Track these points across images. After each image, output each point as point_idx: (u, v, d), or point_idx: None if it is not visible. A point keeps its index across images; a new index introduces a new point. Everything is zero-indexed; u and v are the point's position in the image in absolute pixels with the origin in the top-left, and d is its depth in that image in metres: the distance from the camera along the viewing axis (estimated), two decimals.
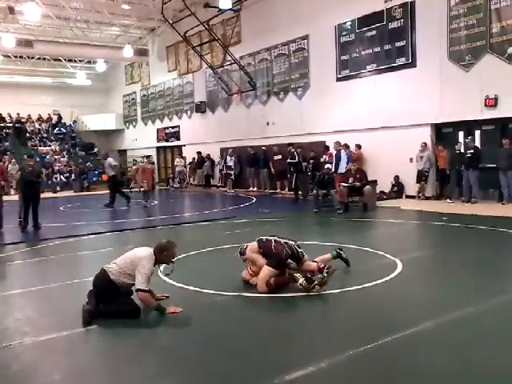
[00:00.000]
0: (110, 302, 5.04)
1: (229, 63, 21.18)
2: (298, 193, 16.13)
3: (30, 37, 23.62)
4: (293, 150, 16.46)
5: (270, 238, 5.97)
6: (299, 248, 5.90)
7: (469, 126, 13.95)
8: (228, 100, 22.33)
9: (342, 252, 5.86)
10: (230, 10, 19.88)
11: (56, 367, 3.99)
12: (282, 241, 5.89)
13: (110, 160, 16.76)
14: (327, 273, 5.62)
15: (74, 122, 32.95)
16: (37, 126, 31.82)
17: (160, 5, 21.03)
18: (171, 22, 22.20)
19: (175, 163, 25.42)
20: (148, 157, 19.67)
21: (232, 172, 20.82)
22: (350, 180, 13.16)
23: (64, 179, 27.04)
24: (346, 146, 15.95)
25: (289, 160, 16.54)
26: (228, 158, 20.74)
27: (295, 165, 16.16)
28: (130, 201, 15.89)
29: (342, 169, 15.29)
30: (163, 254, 5.15)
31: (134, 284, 5.00)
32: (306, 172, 16.49)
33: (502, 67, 12.64)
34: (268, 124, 19.98)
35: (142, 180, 16.37)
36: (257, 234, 6.36)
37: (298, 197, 15.99)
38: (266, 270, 5.66)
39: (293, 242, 5.92)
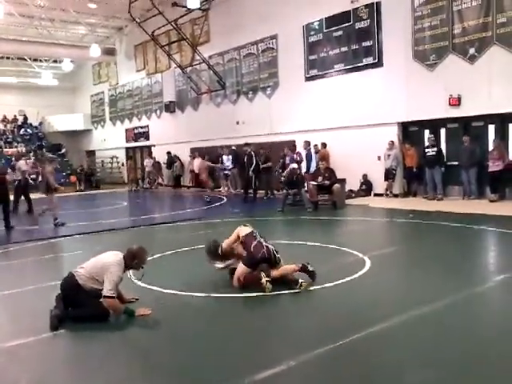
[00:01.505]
0: (79, 306, 4.97)
1: (198, 63, 21.09)
2: (249, 192, 15.80)
3: None
4: (249, 150, 15.99)
5: (258, 235, 6.05)
6: (277, 253, 5.96)
7: (434, 125, 14.26)
8: (197, 100, 22.25)
9: (308, 265, 5.93)
10: (199, 9, 19.79)
11: (22, 374, 3.92)
12: (264, 243, 5.94)
13: (21, 163, 15.73)
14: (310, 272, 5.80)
15: (41, 123, 32.26)
16: (1, 127, 31.05)
17: (127, 4, 20.78)
18: (139, 21, 21.96)
19: (145, 163, 25.18)
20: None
21: (229, 172, 19.32)
22: (319, 179, 13.29)
23: (31, 181, 26.44)
24: (308, 145, 16.08)
25: (245, 160, 16.01)
26: (225, 157, 19.30)
27: (252, 165, 15.63)
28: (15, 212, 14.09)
29: (313, 168, 15.44)
30: (134, 262, 5.10)
31: (102, 289, 4.92)
32: (269, 172, 16.58)
33: (465, 67, 12.97)
34: (238, 123, 19.99)
35: None
36: (227, 234, 6.36)
37: (247, 196, 15.68)
38: (240, 268, 5.82)
39: (272, 247, 5.97)
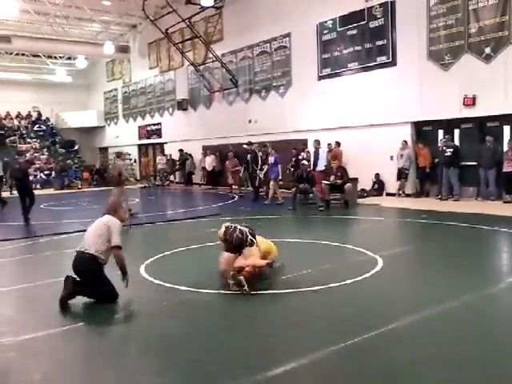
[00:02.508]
0: (94, 284, 5.29)
1: (211, 61, 21.12)
2: (260, 190, 15.80)
3: (9, 32, 23.22)
4: (252, 148, 15.78)
5: (233, 225, 6.17)
6: (252, 237, 6.01)
7: (448, 125, 14.15)
8: (210, 97, 22.28)
9: (274, 263, 6.02)
10: (212, 7, 19.83)
11: (35, 367, 3.96)
12: (238, 227, 6.08)
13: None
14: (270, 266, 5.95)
15: (46, 118, 32.26)
16: (16, 123, 31.36)
17: (141, 1, 20.87)
18: (152, 18, 22.03)
19: (157, 161, 25.29)
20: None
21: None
22: (332, 178, 13.26)
23: (44, 177, 26.74)
24: (318, 144, 16.06)
25: (248, 158, 15.77)
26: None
27: (258, 164, 15.38)
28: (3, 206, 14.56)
29: (321, 166, 15.46)
30: (118, 212, 5.59)
31: (107, 257, 5.36)
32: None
33: (480, 67, 12.84)
34: (250, 122, 19.98)
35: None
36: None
37: (258, 195, 15.63)
38: (223, 256, 6.04)
39: (246, 229, 6.06)
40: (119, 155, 14.98)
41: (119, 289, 5.38)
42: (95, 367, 3.96)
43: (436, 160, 13.94)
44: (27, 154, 27.20)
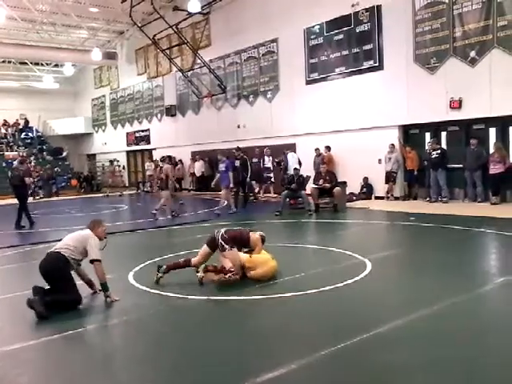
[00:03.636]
0: (59, 287, 5.37)
1: (198, 66, 21.16)
2: (249, 196, 15.65)
3: None
4: (241, 154, 15.39)
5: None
6: (222, 242, 6.27)
7: (435, 128, 14.27)
8: (198, 103, 22.29)
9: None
10: (199, 13, 19.88)
11: (23, 377, 3.91)
12: (221, 229, 6.51)
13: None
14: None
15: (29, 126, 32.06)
16: (3, 130, 31.10)
17: (128, 8, 20.85)
18: (140, 25, 22.03)
19: (146, 167, 25.19)
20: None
21: (271, 175, 17.88)
22: (321, 182, 13.30)
23: (32, 185, 26.45)
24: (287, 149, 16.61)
25: (238, 164, 15.07)
26: (266, 158, 17.94)
27: (249, 170, 15.17)
28: None
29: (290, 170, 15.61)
30: (97, 230, 5.73)
31: (81, 260, 5.59)
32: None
33: (466, 70, 12.97)
34: (239, 127, 20.01)
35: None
36: None
37: (247, 201, 15.29)
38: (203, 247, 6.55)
39: (221, 233, 6.37)
40: (164, 159, 15.22)
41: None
42: (85, 376, 3.91)
43: (425, 162, 14.02)
44: (15, 162, 27.06)
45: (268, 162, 17.75)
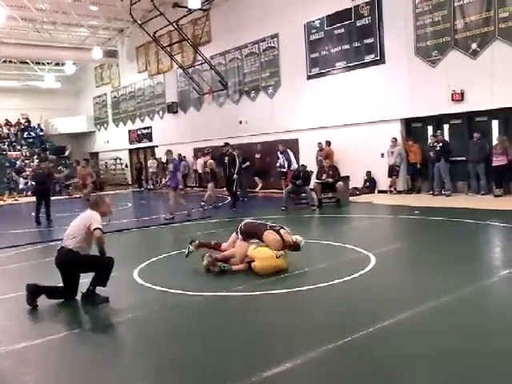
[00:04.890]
0: (86, 270, 5.58)
1: (199, 63, 21.14)
2: (237, 195, 14.81)
3: None
4: (230, 150, 14.80)
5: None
6: (239, 233, 6.75)
7: (437, 121, 14.23)
8: (200, 100, 22.27)
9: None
10: (200, 9, 19.81)
11: (30, 376, 3.93)
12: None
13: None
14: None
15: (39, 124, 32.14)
16: (5, 130, 31.15)
17: (128, 5, 20.82)
18: (140, 22, 22.00)
19: (148, 164, 25.23)
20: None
21: (285, 170, 16.76)
22: (323, 176, 13.30)
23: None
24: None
25: (226, 160, 14.46)
26: (280, 155, 17.06)
27: (236, 167, 14.38)
28: None
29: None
30: (100, 207, 5.82)
31: (89, 247, 5.64)
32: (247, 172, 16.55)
33: (467, 62, 12.93)
34: (241, 123, 20.00)
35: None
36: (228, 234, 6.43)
37: (235, 200, 14.43)
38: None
39: (242, 224, 6.84)
40: (209, 152, 16.07)
41: (112, 294, 5.35)
42: (91, 373, 3.93)
43: (431, 154, 13.93)
44: (18, 161, 27.15)
45: (282, 158, 17.02)
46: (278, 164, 16.96)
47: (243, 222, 6.83)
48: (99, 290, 5.52)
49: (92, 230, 5.51)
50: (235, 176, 14.38)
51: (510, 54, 12.11)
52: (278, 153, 17.02)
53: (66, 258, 5.55)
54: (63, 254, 5.59)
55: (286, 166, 16.45)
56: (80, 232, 5.59)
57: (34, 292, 5.45)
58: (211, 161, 14.74)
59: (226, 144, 15.08)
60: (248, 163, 16.89)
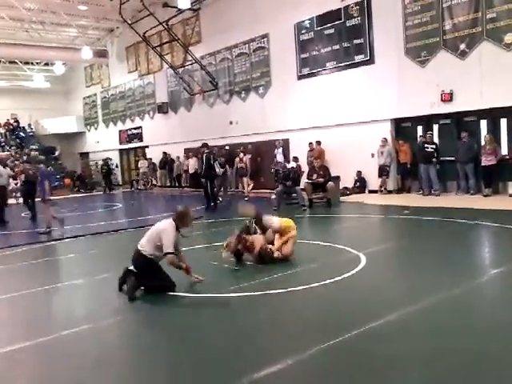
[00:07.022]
0: (150, 277, 5.69)
1: (190, 63, 21.09)
2: (210, 198, 14.20)
3: None
4: (207, 151, 14.39)
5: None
6: (253, 224, 7.28)
7: (427, 121, 14.32)
8: (190, 100, 22.25)
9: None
10: (189, 9, 19.78)
11: (21, 379, 3.92)
12: None
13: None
14: None
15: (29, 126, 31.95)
16: None
17: (118, 5, 20.72)
18: (130, 22, 21.89)
19: (139, 165, 25.15)
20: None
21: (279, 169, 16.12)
22: (314, 176, 13.34)
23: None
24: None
25: (203, 162, 14.24)
26: (278, 152, 17.29)
27: (210, 168, 14.15)
28: None
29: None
30: (183, 220, 5.82)
31: (161, 255, 5.66)
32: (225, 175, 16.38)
33: (456, 63, 13.03)
34: (231, 123, 20.00)
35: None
36: (219, 235, 6.41)
37: (209, 203, 14.10)
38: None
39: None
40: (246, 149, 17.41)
41: (109, 294, 5.33)
42: (87, 374, 3.92)
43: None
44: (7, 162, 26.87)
45: (280, 157, 17.09)
46: (275, 161, 16.97)
47: (253, 221, 7.32)
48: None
49: (163, 254, 5.62)
50: (203, 180, 14.10)
51: (497, 55, 12.23)
52: (276, 150, 17.17)
53: (140, 260, 5.74)
54: (137, 255, 5.77)
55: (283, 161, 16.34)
56: (154, 241, 5.70)
57: (135, 286, 5.66)
58: (247, 156, 17.09)
59: (204, 145, 14.66)
60: (223, 170, 15.84)
